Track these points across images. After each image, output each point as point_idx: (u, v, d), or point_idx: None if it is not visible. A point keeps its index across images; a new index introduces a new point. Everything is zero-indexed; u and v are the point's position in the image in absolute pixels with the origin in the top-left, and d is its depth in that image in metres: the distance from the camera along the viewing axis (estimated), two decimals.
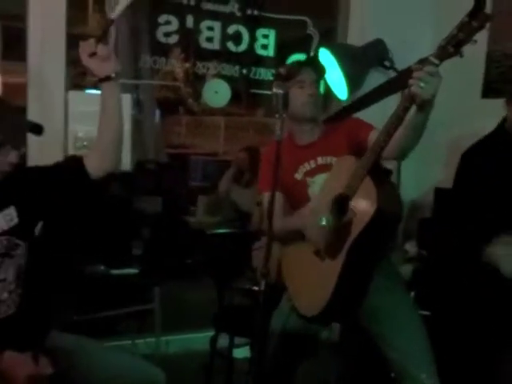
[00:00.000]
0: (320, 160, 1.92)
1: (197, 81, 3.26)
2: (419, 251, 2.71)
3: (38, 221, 1.65)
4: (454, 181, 2.21)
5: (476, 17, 1.36)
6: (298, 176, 1.94)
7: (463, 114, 2.90)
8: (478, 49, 2.79)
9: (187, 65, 3.20)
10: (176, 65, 3.17)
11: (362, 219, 1.63)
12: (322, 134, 1.97)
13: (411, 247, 2.82)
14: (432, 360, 1.78)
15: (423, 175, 3.13)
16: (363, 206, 1.64)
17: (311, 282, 1.85)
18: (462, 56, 1.42)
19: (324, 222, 1.72)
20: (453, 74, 2.87)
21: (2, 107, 1.55)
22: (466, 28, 1.38)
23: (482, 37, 1.44)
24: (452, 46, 1.40)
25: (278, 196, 1.89)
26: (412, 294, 2.36)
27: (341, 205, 1.71)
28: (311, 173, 1.93)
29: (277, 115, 1.60)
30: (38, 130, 1.72)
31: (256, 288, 1.58)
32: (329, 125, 2.02)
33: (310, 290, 1.85)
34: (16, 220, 1.57)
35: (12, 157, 1.51)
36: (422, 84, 1.42)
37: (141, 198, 4.04)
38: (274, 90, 1.60)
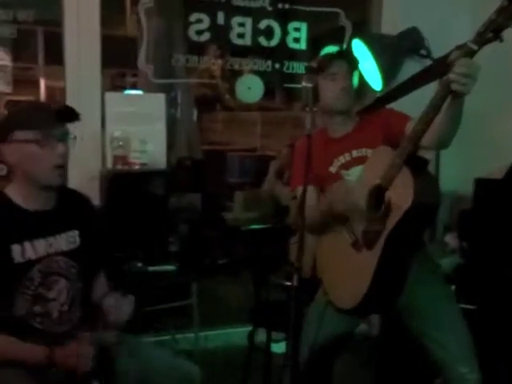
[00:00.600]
0: (355, 153, 1.90)
1: (233, 77, 3.26)
2: (460, 243, 2.64)
3: (96, 248, 1.68)
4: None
5: None
6: (333, 169, 1.92)
7: (503, 104, 2.80)
8: None
9: (220, 61, 3.21)
10: (210, 62, 3.18)
11: (400, 210, 1.60)
12: (356, 125, 1.94)
13: (452, 239, 2.75)
14: (473, 354, 1.74)
15: (463, 166, 3.04)
16: (400, 196, 1.61)
17: (348, 274, 1.84)
18: (501, 41, 1.37)
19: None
20: (492, 65, 2.79)
21: (33, 104, 1.57)
22: (506, 12, 1.33)
23: None
24: (491, 31, 1.36)
25: (313, 190, 1.90)
26: (453, 287, 2.31)
27: (377, 196, 1.69)
28: (346, 165, 1.90)
29: (307, 109, 1.60)
30: (74, 116, 1.54)
31: (289, 283, 1.56)
32: (363, 116, 1.99)
33: (346, 283, 1.84)
34: (78, 243, 1.61)
35: (60, 149, 1.49)
36: (464, 81, 1.39)
37: (180, 195, 4.11)
38: (304, 83, 1.60)
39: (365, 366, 2.83)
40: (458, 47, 1.45)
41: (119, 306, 1.56)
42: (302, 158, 1.84)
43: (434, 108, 1.52)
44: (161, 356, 1.73)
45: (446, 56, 1.45)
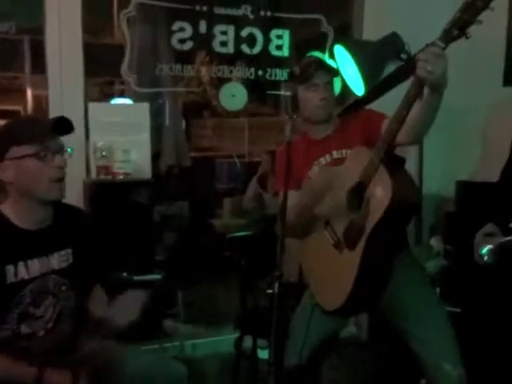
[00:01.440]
0: (335, 154, 1.93)
1: (220, 84, 3.27)
2: (445, 246, 2.66)
3: (90, 263, 1.66)
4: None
5: None
6: (314, 172, 1.94)
7: (484, 103, 2.83)
8: (497, 35, 2.76)
9: (204, 69, 3.22)
10: (194, 70, 3.18)
11: (379, 209, 1.64)
12: (336, 128, 1.97)
13: (437, 242, 2.77)
14: (457, 351, 1.76)
15: (447, 168, 3.07)
16: (379, 195, 1.65)
17: (331, 275, 1.86)
18: (467, 38, 1.41)
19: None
20: (473, 63, 2.83)
21: (30, 118, 1.55)
22: (470, 9, 1.36)
23: (501, 22, 1.41)
24: (457, 29, 1.39)
25: (294, 194, 1.91)
26: (438, 289, 2.33)
27: (356, 195, 1.72)
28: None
29: (286, 116, 1.61)
30: (68, 127, 1.54)
31: (270, 290, 1.57)
32: (343, 118, 2.02)
33: (330, 284, 1.86)
34: (70, 261, 1.59)
35: (58, 161, 1.48)
36: (428, 67, 1.42)
37: (168, 204, 4.10)
38: (283, 91, 1.61)
39: (354, 369, 2.84)
40: (427, 46, 1.48)
41: (128, 304, 1.58)
42: (282, 164, 1.85)
43: (406, 106, 1.55)
44: (148, 357, 1.73)
45: (416, 55, 1.48)
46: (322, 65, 1.97)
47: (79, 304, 1.63)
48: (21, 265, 1.47)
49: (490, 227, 1.83)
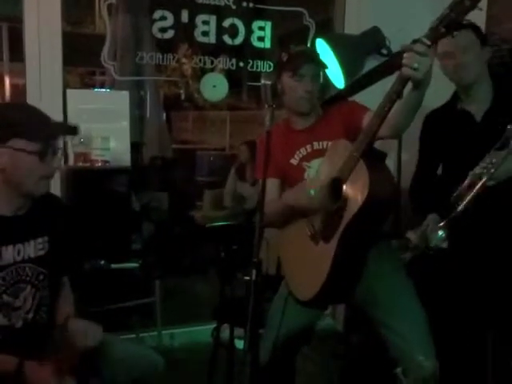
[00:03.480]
0: (316, 145, 1.93)
1: (202, 75, 3.26)
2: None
3: (64, 253, 1.66)
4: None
5: None
6: (295, 161, 1.95)
7: None
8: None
9: (184, 60, 3.21)
10: (175, 60, 3.16)
11: (355, 203, 1.64)
12: (318, 118, 1.97)
13: (413, 235, 2.80)
14: (430, 342, 1.78)
15: None
16: (356, 190, 1.65)
17: (306, 266, 1.87)
18: (453, 37, 1.42)
19: (312, 192, 1.74)
20: None
21: (36, 114, 1.52)
22: (458, 7, 1.37)
23: (479, 20, 1.43)
24: (443, 27, 1.39)
25: (274, 182, 1.95)
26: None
27: (335, 189, 1.72)
28: (307, 157, 1.94)
29: (266, 105, 1.62)
30: (74, 131, 1.69)
31: (247, 278, 1.58)
32: (325, 109, 2.02)
33: (304, 275, 1.87)
34: (46, 249, 1.59)
35: (56, 161, 1.51)
36: (414, 65, 1.42)
37: (147, 194, 4.08)
38: (263, 80, 1.61)
39: (330, 361, 2.86)
40: (413, 42, 1.48)
41: (86, 332, 1.53)
42: (263, 152, 1.85)
43: (389, 101, 1.55)
44: (124, 345, 1.74)
45: (401, 51, 1.49)
46: (311, 57, 1.97)
47: (53, 294, 1.63)
48: None
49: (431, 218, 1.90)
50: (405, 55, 1.44)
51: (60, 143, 1.55)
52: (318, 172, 1.87)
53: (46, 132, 1.49)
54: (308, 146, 1.94)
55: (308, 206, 1.79)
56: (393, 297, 1.84)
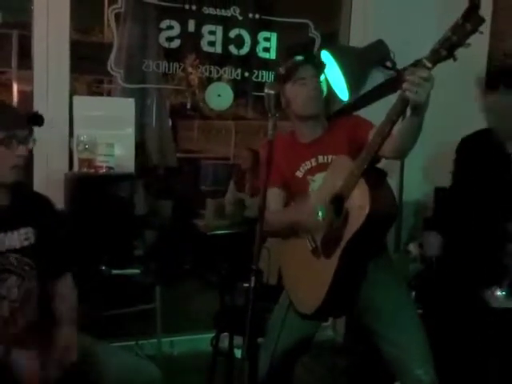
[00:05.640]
0: (321, 159, 1.93)
1: (208, 85, 3.28)
2: (421, 251, 2.69)
3: (55, 248, 1.68)
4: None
5: (470, 19, 1.34)
6: (300, 174, 1.96)
7: (465, 114, 2.88)
8: (479, 49, 2.82)
9: (190, 68, 3.23)
10: (180, 68, 3.19)
11: (356, 221, 1.65)
12: (324, 131, 1.97)
13: (414, 248, 2.81)
14: (429, 356, 1.77)
15: (426, 175, 3.11)
16: (357, 207, 1.65)
17: (307, 280, 1.87)
18: (455, 60, 1.40)
19: (320, 214, 1.74)
20: (455, 75, 2.87)
21: (3, 104, 1.58)
22: (460, 31, 1.36)
23: (483, 36, 1.44)
24: (445, 49, 1.39)
25: (278, 192, 1.95)
26: (413, 293, 2.36)
27: (337, 205, 1.73)
28: (312, 171, 1.94)
29: (269, 115, 1.63)
30: (37, 120, 1.67)
31: (246, 285, 1.58)
32: (331, 122, 2.03)
33: (305, 289, 1.87)
34: (32, 241, 1.61)
35: (21, 150, 1.53)
36: (415, 89, 1.43)
37: (151, 202, 4.10)
38: (266, 90, 1.63)
39: (329, 372, 2.85)
40: (415, 63, 1.49)
41: (69, 346, 1.55)
42: (266, 161, 1.91)
43: (389, 122, 1.57)
44: (121, 358, 1.73)
45: (405, 69, 1.50)
46: (306, 59, 1.97)
47: (43, 288, 1.64)
48: None
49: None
50: (407, 78, 1.44)
51: (28, 132, 1.57)
52: (319, 188, 1.87)
53: (6, 119, 1.52)
54: (313, 160, 1.94)
55: (314, 226, 1.80)
56: (393, 309, 1.84)
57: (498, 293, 1.92)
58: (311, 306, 1.81)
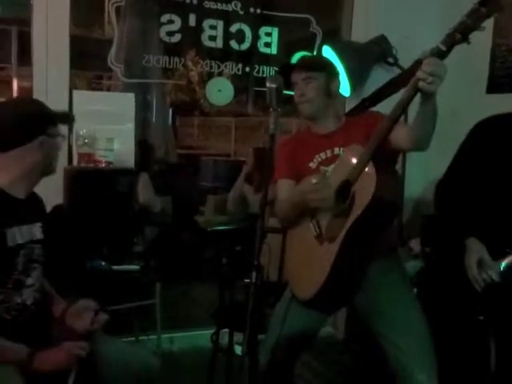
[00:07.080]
0: (337, 150, 1.94)
1: (208, 80, 3.27)
2: (422, 248, 2.68)
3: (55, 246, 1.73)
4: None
5: (487, 3, 1.37)
6: (313, 165, 1.96)
7: (468, 109, 2.86)
8: (482, 44, 2.81)
9: (190, 63, 3.21)
10: (181, 63, 3.17)
11: (360, 205, 1.66)
12: (341, 125, 1.99)
13: (415, 244, 2.80)
14: (433, 361, 1.75)
15: (429, 171, 3.09)
16: (363, 192, 1.66)
17: (308, 265, 1.88)
18: (469, 43, 1.42)
19: (314, 181, 1.74)
20: (458, 70, 2.86)
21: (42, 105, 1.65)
22: (475, 14, 1.39)
23: (487, 32, 1.44)
24: (459, 33, 1.41)
25: (289, 182, 1.96)
26: (415, 290, 2.34)
27: (344, 191, 1.74)
28: (326, 162, 1.95)
29: (271, 109, 1.61)
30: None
31: (247, 280, 1.57)
32: (350, 118, 2.06)
33: (306, 274, 1.88)
34: (43, 235, 1.65)
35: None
36: (430, 79, 1.44)
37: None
38: (268, 84, 1.62)
39: (329, 369, 2.84)
40: (431, 51, 1.49)
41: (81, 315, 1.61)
42: (283, 155, 1.98)
43: (400, 106, 1.58)
44: (120, 344, 1.76)
45: (420, 60, 1.50)
46: (298, 62, 1.99)
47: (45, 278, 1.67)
48: (16, 229, 1.51)
49: (475, 246, 1.86)
50: (423, 67, 1.45)
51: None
52: (329, 174, 1.87)
53: (61, 116, 1.67)
54: (328, 151, 1.95)
55: (310, 193, 1.77)
56: (396, 309, 1.82)
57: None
58: (311, 290, 1.80)
